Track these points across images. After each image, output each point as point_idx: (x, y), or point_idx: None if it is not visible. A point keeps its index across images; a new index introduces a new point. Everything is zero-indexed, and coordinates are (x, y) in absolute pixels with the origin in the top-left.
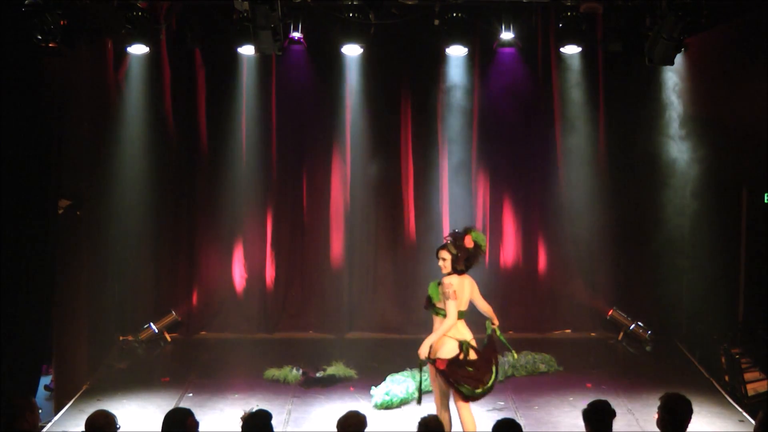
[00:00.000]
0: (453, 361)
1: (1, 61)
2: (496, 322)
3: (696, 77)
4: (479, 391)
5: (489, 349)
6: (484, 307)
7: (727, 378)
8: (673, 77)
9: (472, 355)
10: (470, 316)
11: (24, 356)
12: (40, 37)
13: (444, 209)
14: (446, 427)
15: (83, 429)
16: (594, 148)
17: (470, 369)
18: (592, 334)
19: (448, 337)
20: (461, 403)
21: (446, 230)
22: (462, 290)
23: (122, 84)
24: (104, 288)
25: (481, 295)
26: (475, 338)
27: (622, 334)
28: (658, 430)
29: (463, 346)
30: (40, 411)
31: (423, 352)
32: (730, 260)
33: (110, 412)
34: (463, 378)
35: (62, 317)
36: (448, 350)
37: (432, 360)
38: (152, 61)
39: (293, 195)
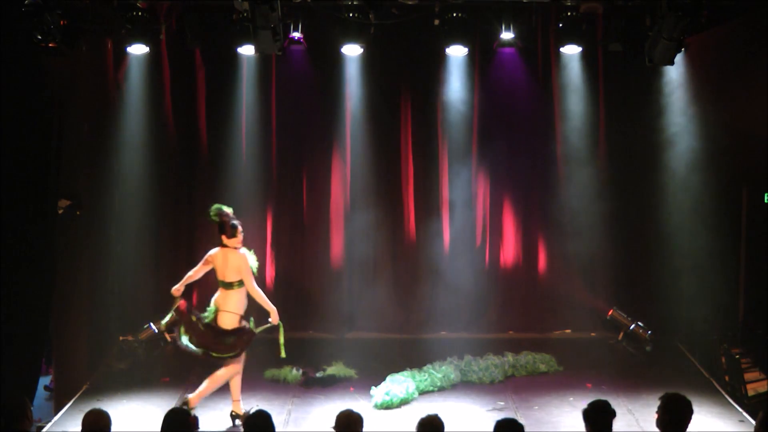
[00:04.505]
0: (190, 315)
1: (1, 61)
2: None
3: (696, 77)
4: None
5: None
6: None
7: (727, 378)
8: (673, 77)
9: (210, 320)
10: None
11: (24, 356)
12: (40, 37)
13: (444, 209)
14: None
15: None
16: (594, 148)
17: (200, 328)
18: (592, 334)
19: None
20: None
21: (446, 230)
22: (215, 261)
23: (122, 84)
24: (104, 288)
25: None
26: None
27: (622, 334)
28: (658, 430)
29: (209, 311)
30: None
31: (176, 289)
32: (730, 260)
33: (104, 410)
34: (186, 327)
35: (62, 317)
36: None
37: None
38: (152, 61)
39: (293, 195)
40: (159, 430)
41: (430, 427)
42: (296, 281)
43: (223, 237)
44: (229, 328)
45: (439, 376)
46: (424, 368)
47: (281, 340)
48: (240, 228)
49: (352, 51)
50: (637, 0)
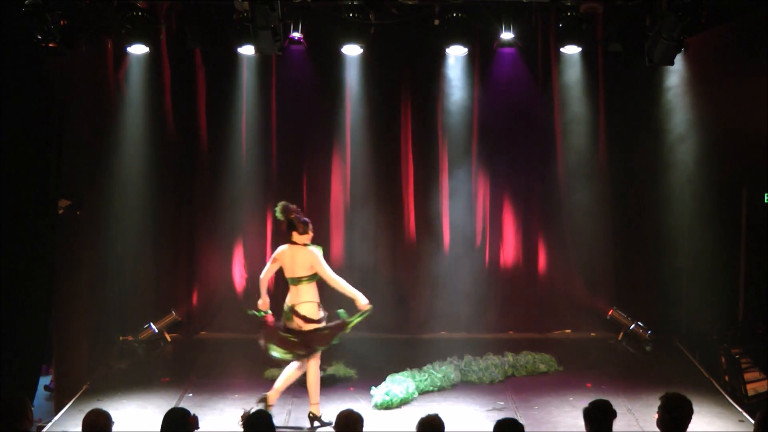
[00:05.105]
0: (277, 329)
1: (1, 61)
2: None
3: (696, 77)
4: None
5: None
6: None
7: (727, 378)
8: (672, 77)
9: (290, 322)
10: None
11: (24, 356)
12: (40, 37)
13: (444, 209)
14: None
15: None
16: (594, 148)
17: (289, 337)
18: (592, 334)
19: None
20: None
21: (446, 230)
22: (283, 258)
23: (122, 84)
24: (104, 288)
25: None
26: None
27: (622, 334)
28: (658, 430)
29: (285, 314)
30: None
31: (264, 303)
32: (730, 260)
33: (105, 410)
34: (272, 339)
35: (62, 317)
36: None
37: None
38: (152, 61)
39: (293, 195)
40: (159, 430)
41: (430, 427)
42: None
43: (294, 234)
44: (314, 317)
45: (439, 376)
46: (424, 368)
47: (358, 319)
48: (311, 224)
49: (352, 51)
50: (637, 0)
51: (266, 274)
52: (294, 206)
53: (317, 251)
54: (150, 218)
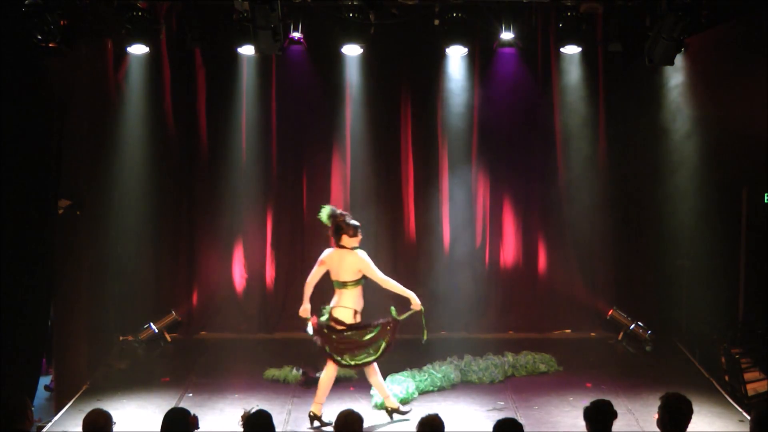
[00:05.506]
0: (323, 329)
1: (1, 61)
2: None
3: (696, 77)
4: (339, 359)
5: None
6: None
7: (727, 378)
8: (672, 77)
9: (326, 321)
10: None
11: (24, 356)
12: (40, 37)
13: (444, 209)
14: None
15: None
16: (594, 148)
17: (334, 336)
18: (592, 334)
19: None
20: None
21: (446, 230)
22: (330, 261)
23: (122, 84)
24: (104, 288)
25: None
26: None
27: (622, 334)
28: (658, 430)
29: (324, 313)
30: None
31: (304, 310)
32: (730, 260)
33: (106, 410)
34: (325, 342)
35: (62, 317)
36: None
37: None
38: (152, 61)
39: (293, 195)
40: (159, 430)
41: (430, 427)
42: (296, 281)
43: (344, 237)
44: (346, 321)
45: (439, 376)
46: (424, 368)
47: (423, 323)
48: (360, 228)
49: (352, 51)
50: (637, 0)
51: (312, 278)
52: (340, 210)
53: (365, 255)
54: (150, 218)
